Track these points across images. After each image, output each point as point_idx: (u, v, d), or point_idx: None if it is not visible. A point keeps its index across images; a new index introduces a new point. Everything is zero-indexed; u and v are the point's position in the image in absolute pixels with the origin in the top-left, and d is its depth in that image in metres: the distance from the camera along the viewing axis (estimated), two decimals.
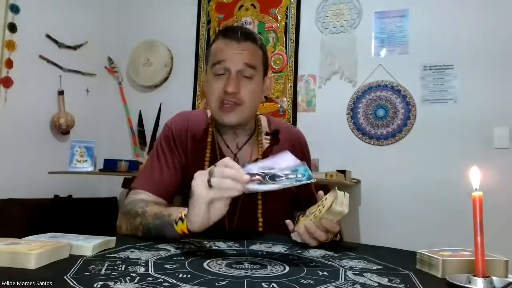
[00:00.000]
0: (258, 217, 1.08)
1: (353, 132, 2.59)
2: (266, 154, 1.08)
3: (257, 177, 0.69)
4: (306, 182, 0.70)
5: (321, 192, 0.92)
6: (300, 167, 0.72)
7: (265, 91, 1.12)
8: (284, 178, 0.70)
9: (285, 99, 2.76)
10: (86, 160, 2.64)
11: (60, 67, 2.79)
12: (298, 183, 0.70)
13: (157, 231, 0.82)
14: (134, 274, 0.55)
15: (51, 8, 2.73)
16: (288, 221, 0.91)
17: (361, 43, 2.63)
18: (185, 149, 1.11)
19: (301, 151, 1.20)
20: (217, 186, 0.68)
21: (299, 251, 0.78)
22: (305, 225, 0.84)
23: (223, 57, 1.01)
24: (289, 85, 2.76)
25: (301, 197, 1.16)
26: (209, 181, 0.68)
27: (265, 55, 1.10)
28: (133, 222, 0.89)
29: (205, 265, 0.62)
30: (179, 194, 1.14)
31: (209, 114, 1.16)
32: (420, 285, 0.57)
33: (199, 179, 0.70)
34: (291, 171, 0.71)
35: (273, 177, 0.70)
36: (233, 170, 0.68)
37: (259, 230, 1.07)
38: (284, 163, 0.72)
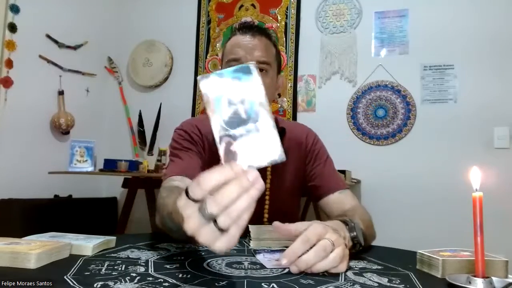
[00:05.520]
0: (264, 213, 1.05)
1: (353, 132, 2.59)
2: None
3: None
4: None
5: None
6: None
7: (277, 88, 1.13)
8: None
9: (285, 99, 2.76)
10: (86, 160, 2.64)
11: (60, 67, 2.79)
12: None
13: (179, 235, 0.75)
14: (134, 274, 0.55)
15: (51, 8, 2.73)
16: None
17: (361, 43, 2.63)
18: (202, 146, 1.07)
19: (306, 146, 1.15)
20: (230, 223, 0.42)
21: None
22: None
23: (238, 53, 1.02)
24: (289, 85, 2.76)
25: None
26: (217, 226, 0.42)
27: (278, 53, 1.10)
28: (158, 217, 0.84)
29: (205, 265, 0.62)
30: None
31: None
32: (420, 285, 0.56)
33: (204, 233, 0.42)
34: None
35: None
36: (232, 186, 0.41)
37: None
38: None
